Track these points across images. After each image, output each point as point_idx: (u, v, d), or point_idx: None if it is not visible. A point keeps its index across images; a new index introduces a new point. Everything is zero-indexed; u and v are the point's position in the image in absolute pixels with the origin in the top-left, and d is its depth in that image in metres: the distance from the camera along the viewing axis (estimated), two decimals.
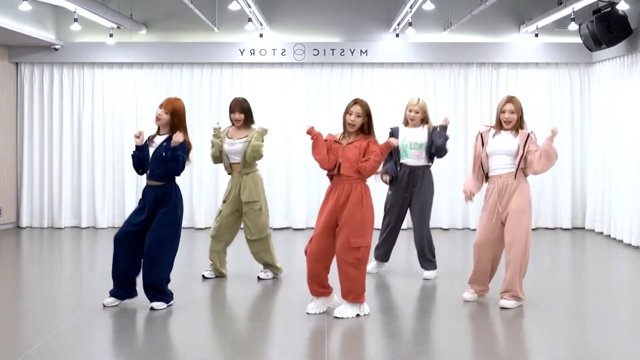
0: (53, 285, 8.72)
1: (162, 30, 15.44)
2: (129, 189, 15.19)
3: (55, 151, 15.39)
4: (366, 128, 8.13)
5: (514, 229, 8.37)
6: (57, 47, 15.14)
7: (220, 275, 10.05)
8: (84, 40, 15.32)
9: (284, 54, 15.22)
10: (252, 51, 15.22)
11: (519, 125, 8.59)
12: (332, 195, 8.04)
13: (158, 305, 8.37)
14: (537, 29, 14.53)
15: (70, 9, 12.66)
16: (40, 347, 6.86)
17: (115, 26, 14.57)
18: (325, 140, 8.10)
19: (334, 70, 15.40)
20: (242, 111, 9.88)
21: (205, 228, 14.70)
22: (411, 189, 10.06)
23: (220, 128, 9.97)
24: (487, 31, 15.28)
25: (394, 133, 10.05)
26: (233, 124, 10.02)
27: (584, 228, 15.17)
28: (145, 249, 8.38)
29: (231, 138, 9.92)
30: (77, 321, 7.90)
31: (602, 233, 14.36)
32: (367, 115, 8.14)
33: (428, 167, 10.15)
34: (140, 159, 8.50)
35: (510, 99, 8.60)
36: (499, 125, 8.64)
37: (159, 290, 8.43)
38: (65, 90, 15.44)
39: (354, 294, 7.96)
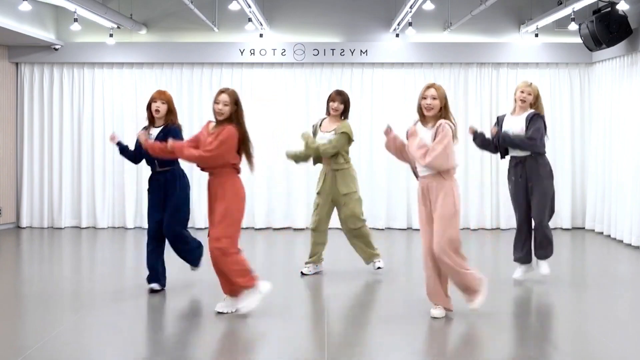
0: (53, 285, 8.86)
1: (162, 31, 15.41)
2: (129, 189, 15.16)
3: (55, 151, 15.38)
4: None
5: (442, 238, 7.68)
6: (57, 47, 15.16)
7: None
8: (84, 40, 15.32)
9: (284, 54, 15.18)
10: (252, 51, 15.19)
11: (440, 115, 7.84)
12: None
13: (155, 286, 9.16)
14: (537, 29, 14.54)
15: (71, 9, 12.64)
16: (40, 347, 6.83)
17: (116, 26, 14.60)
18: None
19: (334, 70, 15.35)
20: (342, 102, 10.00)
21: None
22: (525, 180, 9.40)
23: (308, 133, 10.10)
24: (487, 31, 15.26)
25: (498, 122, 9.61)
26: (329, 114, 10.07)
27: (584, 228, 15.16)
28: (164, 228, 9.07)
29: (323, 131, 10.05)
30: (76, 321, 7.89)
31: (602, 233, 14.35)
32: None
33: (537, 155, 9.34)
34: (130, 155, 9.35)
35: (433, 85, 7.91)
36: (422, 115, 7.86)
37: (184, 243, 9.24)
38: (65, 91, 15.46)
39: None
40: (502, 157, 9.61)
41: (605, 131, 14.29)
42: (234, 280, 7.88)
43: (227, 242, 7.82)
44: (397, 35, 14.91)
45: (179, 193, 9.11)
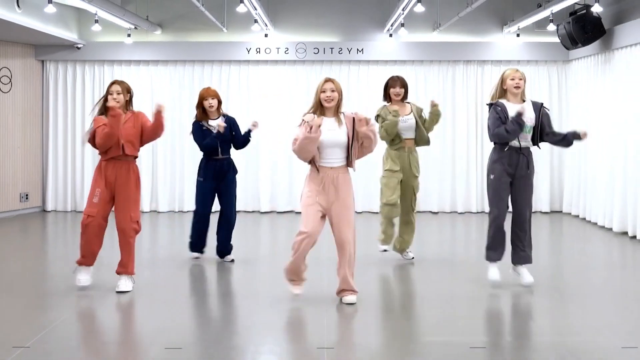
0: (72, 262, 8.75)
1: (175, 31, 15.64)
2: (145, 174, 15.09)
3: (77, 141, 15.52)
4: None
5: (345, 227, 7.65)
6: (79, 46, 15.36)
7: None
8: (104, 40, 15.51)
9: (287, 52, 15.43)
10: (257, 50, 15.44)
11: (337, 108, 7.76)
12: None
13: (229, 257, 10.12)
14: (518, 29, 14.74)
15: (92, 11, 12.85)
16: (61, 322, 7.05)
17: (133, 27, 14.74)
18: None
19: (332, 68, 15.56)
20: (402, 86, 9.82)
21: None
22: (513, 173, 8.34)
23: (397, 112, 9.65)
24: (473, 31, 15.48)
25: (502, 109, 8.28)
26: (391, 100, 9.84)
27: (561, 212, 15.41)
28: (223, 211, 10.07)
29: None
30: (95, 298, 8.01)
31: (578, 216, 14.61)
32: None
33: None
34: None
35: (330, 79, 7.81)
36: (319, 106, 7.78)
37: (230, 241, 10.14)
38: (87, 86, 15.64)
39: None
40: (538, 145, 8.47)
41: (581, 123, 14.14)
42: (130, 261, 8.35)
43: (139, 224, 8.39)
44: (391, 35, 15.18)
45: (235, 179, 10.08)
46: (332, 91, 7.67)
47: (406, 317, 7.56)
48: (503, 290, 8.27)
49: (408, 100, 10.03)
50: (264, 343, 6.57)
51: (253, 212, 15.59)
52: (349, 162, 7.73)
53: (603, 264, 10.59)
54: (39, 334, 6.58)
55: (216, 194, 10.06)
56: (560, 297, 8.22)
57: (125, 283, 8.26)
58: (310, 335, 6.94)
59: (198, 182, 10.06)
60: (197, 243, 10.15)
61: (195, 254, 10.17)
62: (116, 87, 8.23)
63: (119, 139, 8.15)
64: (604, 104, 13.63)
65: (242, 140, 10.04)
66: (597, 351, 6.24)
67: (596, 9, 11.67)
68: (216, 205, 10.08)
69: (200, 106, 9.92)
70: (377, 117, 9.76)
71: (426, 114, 9.97)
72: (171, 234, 13.26)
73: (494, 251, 8.43)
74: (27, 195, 15.38)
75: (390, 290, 8.90)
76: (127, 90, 8.35)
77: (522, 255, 8.45)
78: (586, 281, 9.17)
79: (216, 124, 9.81)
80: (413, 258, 10.07)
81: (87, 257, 8.33)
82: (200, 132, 9.88)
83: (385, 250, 10.20)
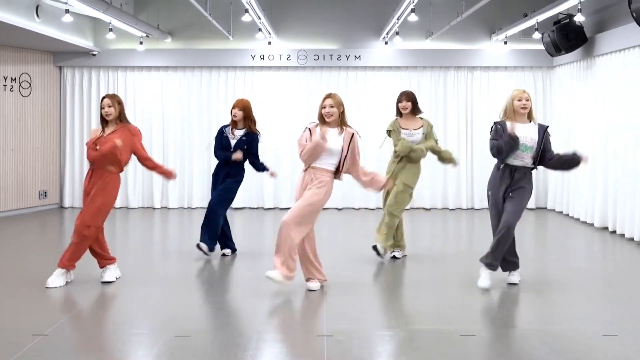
0: (90, 259, 8.74)
1: (184, 39, 15.65)
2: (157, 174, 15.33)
3: None
4: None
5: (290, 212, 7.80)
6: (94, 53, 15.40)
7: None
8: (117, 47, 15.55)
9: (289, 59, 15.46)
10: (261, 56, 15.46)
11: (341, 120, 7.94)
12: None
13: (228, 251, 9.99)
14: (506, 37, 14.75)
15: (106, 20, 12.85)
16: (77, 312, 7.15)
17: (145, 35, 14.78)
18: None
19: (332, 73, 15.62)
20: (408, 99, 9.65)
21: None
22: (507, 187, 8.09)
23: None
24: (463, 39, 15.52)
25: (503, 128, 8.06)
26: (401, 114, 9.71)
27: (546, 208, 15.46)
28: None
29: (407, 128, 9.63)
30: (109, 289, 8.03)
31: (561, 212, 14.67)
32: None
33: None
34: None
35: (330, 95, 7.92)
36: (323, 120, 7.94)
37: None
38: (101, 90, 15.63)
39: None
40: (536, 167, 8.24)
41: (565, 126, 14.47)
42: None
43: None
44: (386, 43, 15.25)
45: (238, 179, 9.89)
46: (331, 107, 7.84)
47: (399, 306, 7.61)
48: (492, 282, 8.14)
49: (422, 114, 9.86)
50: (267, 331, 6.58)
51: (257, 208, 15.62)
52: (337, 173, 7.96)
53: (585, 257, 10.68)
54: (56, 323, 6.59)
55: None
56: (545, 288, 8.22)
57: (56, 276, 8.12)
58: (310, 324, 6.95)
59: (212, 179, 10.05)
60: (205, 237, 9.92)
61: (204, 247, 9.77)
62: (107, 101, 8.17)
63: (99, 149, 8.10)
64: (586, 107, 13.64)
65: (257, 166, 9.91)
66: (580, 339, 6.26)
67: (579, 18, 11.66)
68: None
69: (231, 112, 9.88)
70: (390, 132, 9.76)
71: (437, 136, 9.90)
72: (180, 229, 13.25)
73: (497, 258, 8.08)
74: (45, 192, 15.40)
75: (385, 280, 8.87)
76: (118, 102, 8.22)
77: (508, 261, 8.29)
78: (569, 273, 9.16)
79: (239, 135, 9.75)
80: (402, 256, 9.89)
81: (98, 258, 8.40)
82: (219, 138, 9.84)
83: (395, 257, 9.87)
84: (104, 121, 8.24)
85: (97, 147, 8.06)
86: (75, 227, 8.08)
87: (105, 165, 8.13)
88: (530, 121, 8.17)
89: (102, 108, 8.20)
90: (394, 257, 9.81)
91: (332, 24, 15.66)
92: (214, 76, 15.73)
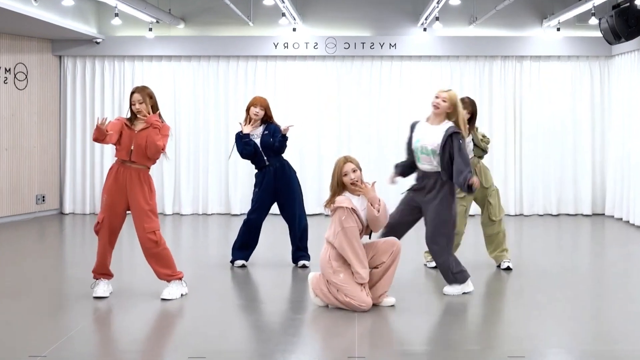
0: (91, 267, 8.72)
1: (199, 25, 15.68)
2: (167, 175, 15.48)
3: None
4: None
5: None
6: (98, 40, 15.42)
7: None
8: (124, 34, 15.59)
9: (316, 47, 15.47)
10: (285, 45, 15.47)
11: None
12: None
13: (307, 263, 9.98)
14: (558, 23, 14.68)
15: (111, 4, 12.83)
16: (79, 330, 7.03)
17: (155, 20, 14.73)
18: None
19: (364, 63, 15.61)
20: (469, 105, 9.70)
21: (241, 214, 15.13)
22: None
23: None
24: (511, 25, 15.46)
25: (412, 129, 8.57)
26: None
27: (603, 214, 15.37)
28: (292, 215, 10.05)
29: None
30: (113, 305, 8.01)
31: (621, 219, 14.58)
32: None
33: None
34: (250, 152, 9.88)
35: (349, 159, 7.76)
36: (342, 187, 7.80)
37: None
38: (106, 83, 15.72)
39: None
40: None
41: (624, 121, 14.45)
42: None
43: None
44: (425, 29, 15.14)
45: (294, 178, 10.11)
46: (354, 171, 7.71)
47: (442, 324, 7.52)
48: (536, 290, 8.11)
49: (476, 124, 9.91)
50: (291, 351, 6.49)
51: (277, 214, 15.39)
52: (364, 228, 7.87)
53: None
54: (55, 343, 6.54)
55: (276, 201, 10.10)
56: (601, 302, 8.28)
57: (168, 291, 8.23)
58: (340, 344, 6.85)
59: (254, 192, 10.08)
60: (239, 250, 10.03)
61: (240, 262, 9.95)
62: (137, 96, 8.07)
63: (130, 144, 8.06)
64: None
65: (277, 147, 9.89)
66: None
67: None
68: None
69: (247, 111, 9.91)
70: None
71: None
72: (195, 238, 13.28)
73: (463, 269, 8.42)
74: (43, 197, 15.46)
75: (423, 295, 8.78)
76: (150, 96, 8.14)
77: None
78: (627, 287, 9.13)
79: (261, 132, 9.86)
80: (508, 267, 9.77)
81: (100, 268, 8.30)
82: (239, 141, 9.86)
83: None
84: (134, 116, 8.18)
85: (132, 148, 8.03)
86: (141, 242, 8.16)
87: (138, 160, 8.12)
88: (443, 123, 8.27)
89: (132, 104, 8.11)
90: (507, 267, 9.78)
91: (365, 9, 15.64)
92: (232, 67, 15.75)
